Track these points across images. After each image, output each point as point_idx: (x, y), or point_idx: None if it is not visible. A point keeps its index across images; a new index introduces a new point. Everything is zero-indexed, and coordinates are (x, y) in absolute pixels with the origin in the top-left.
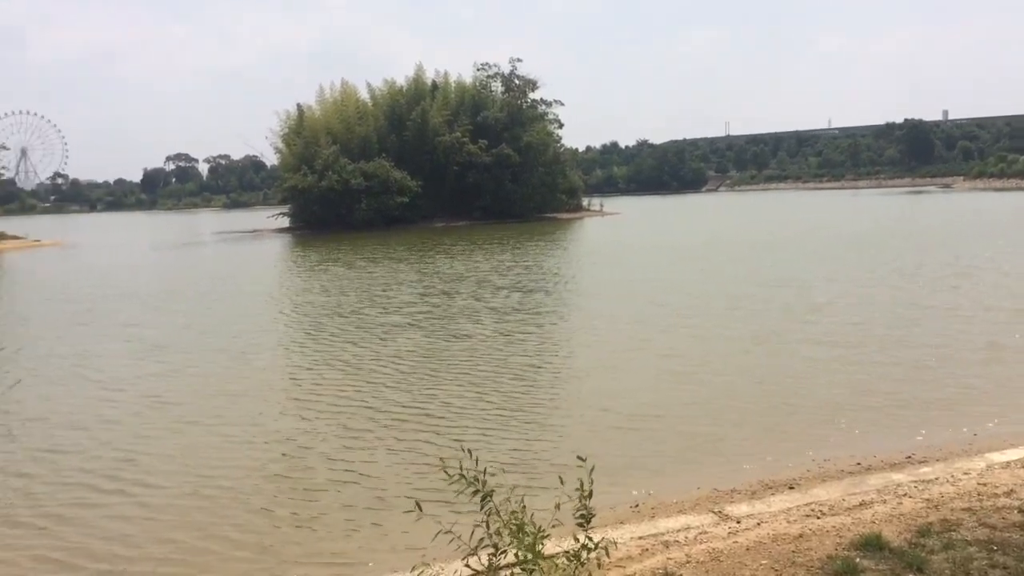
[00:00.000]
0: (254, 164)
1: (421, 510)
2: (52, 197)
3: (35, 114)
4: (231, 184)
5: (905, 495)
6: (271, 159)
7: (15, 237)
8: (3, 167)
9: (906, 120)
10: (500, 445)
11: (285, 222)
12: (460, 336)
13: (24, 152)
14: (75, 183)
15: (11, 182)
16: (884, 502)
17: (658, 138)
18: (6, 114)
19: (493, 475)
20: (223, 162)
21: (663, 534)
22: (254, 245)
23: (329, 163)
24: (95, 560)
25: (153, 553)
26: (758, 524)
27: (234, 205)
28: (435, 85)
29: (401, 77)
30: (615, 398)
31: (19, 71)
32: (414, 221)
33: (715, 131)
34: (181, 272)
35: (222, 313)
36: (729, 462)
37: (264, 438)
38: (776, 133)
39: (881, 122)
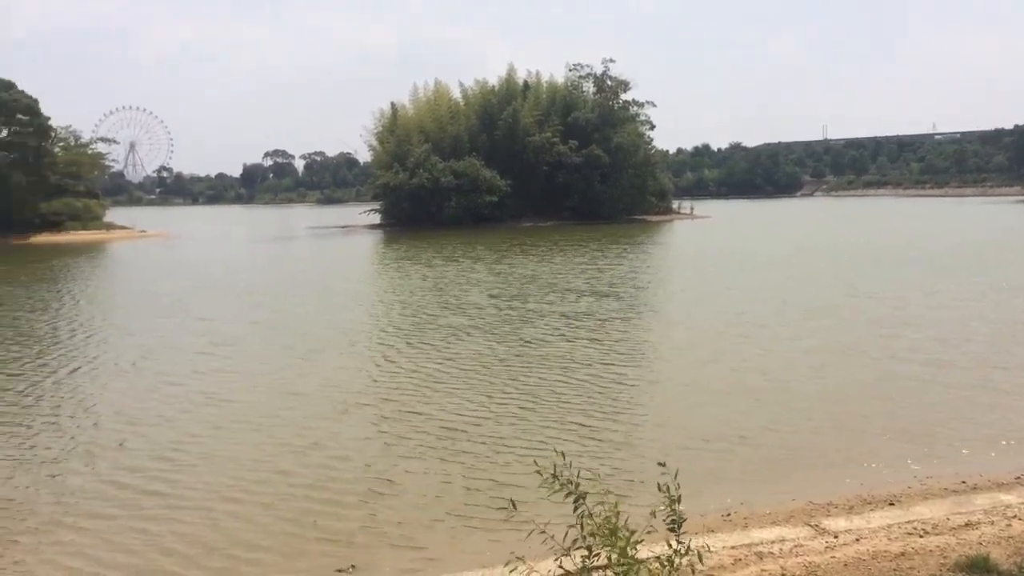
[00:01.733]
0: (348, 161)
1: (516, 508)
2: (157, 190)
3: (143, 110)
4: (325, 180)
5: (1015, 517)
6: (364, 156)
7: (123, 227)
8: (113, 160)
9: (1016, 126)
10: (576, 453)
11: (376, 218)
12: (528, 341)
13: (132, 146)
14: (179, 177)
15: (120, 175)
16: (992, 523)
17: (752, 141)
18: (116, 109)
19: (589, 480)
20: (318, 159)
21: (756, 544)
22: (343, 240)
23: (420, 161)
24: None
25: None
26: (857, 540)
27: (327, 201)
28: (527, 85)
29: (493, 77)
30: (697, 409)
31: (129, 69)
32: (502, 220)
33: (812, 134)
34: (270, 266)
35: (297, 310)
36: (825, 475)
37: (329, 439)
38: (876, 137)
39: (989, 127)
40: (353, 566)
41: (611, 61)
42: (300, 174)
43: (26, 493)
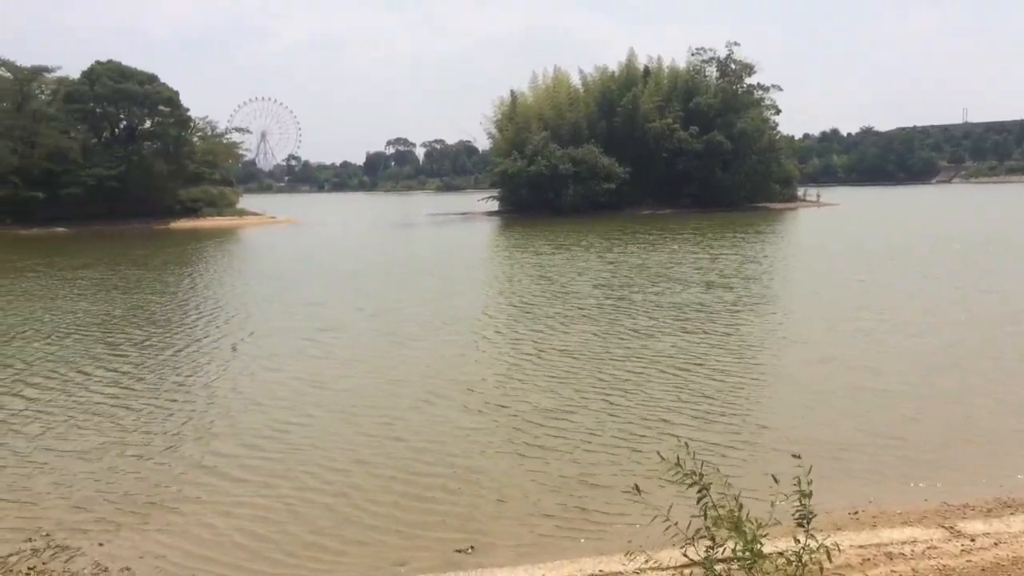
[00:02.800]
0: (467, 149)
1: (640, 492)
2: (286, 177)
3: (274, 100)
4: (445, 168)
5: None
6: (483, 144)
7: (254, 214)
8: (246, 149)
9: None
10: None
11: (494, 205)
12: (631, 332)
13: (264, 135)
14: (306, 165)
15: (252, 163)
16: None
17: (884, 125)
18: (249, 100)
19: (709, 472)
20: (438, 147)
21: (886, 545)
22: (460, 227)
23: (539, 148)
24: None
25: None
26: (995, 544)
27: (447, 188)
28: (647, 71)
29: (613, 63)
30: (814, 406)
31: (262, 60)
32: (620, 207)
33: (950, 118)
34: (388, 252)
35: (409, 295)
36: (958, 477)
37: (426, 425)
38: (1022, 121)
39: None
40: (472, 547)
41: (735, 44)
42: (420, 162)
43: (124, 477)
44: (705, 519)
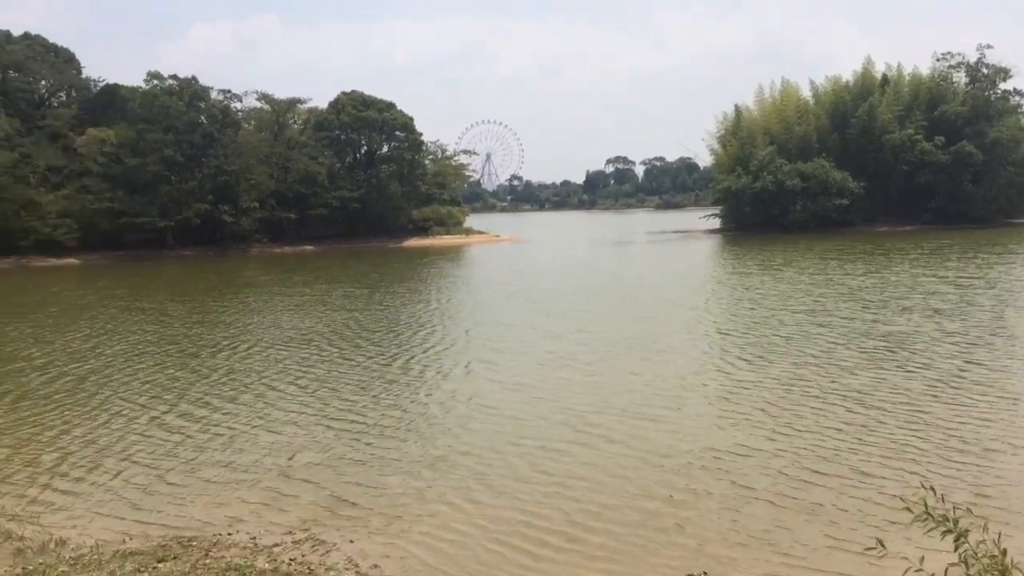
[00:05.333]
0: (687, 166)
1: (885, 548)
2: (509, 197)
3: (498, 122)
4: (664, 185)
5: None
6: (705, 160)
7: (480, 232)
8: (472, 170)
9: None
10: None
11: (715, 223)
12: (911, 367)
13: (488, 157)
14: (528, 184)
15: (477, 183)
16: None
17: None
18: (476, 123)
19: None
20: (658, 164)
21: None
22: (681, 245)
23: (764, 164)
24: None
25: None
26: None
27: (666, 206)
28: (885, 79)
29: (847, 72)
30: None
31: (488, 85)
32: (853, 224)
33: None
34: (607, 269)
35: (624, 314)
36: None
37: (668, 446)
38: None
39: None
40: (705, 573)
41: (988, 47)
42: (640, 180)
43: (370, 480)
44: (966, 569)
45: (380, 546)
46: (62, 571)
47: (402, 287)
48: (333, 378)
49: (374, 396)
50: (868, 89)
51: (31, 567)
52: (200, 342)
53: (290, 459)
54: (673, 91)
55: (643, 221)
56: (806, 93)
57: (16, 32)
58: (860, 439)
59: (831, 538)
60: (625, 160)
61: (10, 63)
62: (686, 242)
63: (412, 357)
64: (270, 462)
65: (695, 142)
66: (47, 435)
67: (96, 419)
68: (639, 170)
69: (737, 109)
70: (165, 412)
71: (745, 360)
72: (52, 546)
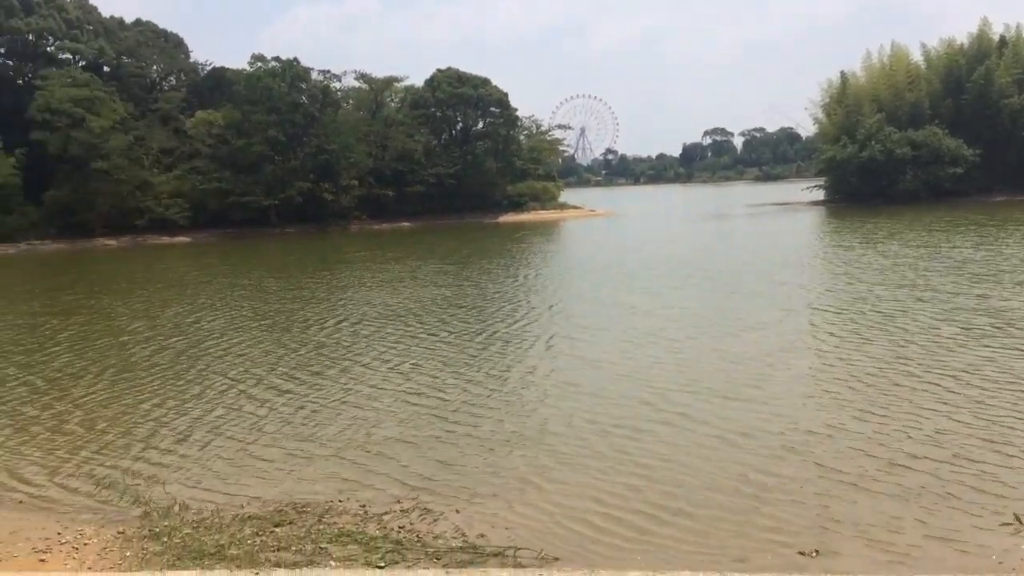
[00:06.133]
0: (788, 136)
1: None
2: (603, 171)
3: (593, 96)
4: (764, 157)
5: None
6: (807, 130)
7: (575, 207)
8: (567, 145)
9: None
10: None
11: (819, 195)
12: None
13: (583, 131)
14: (623, 158)
15: (571, 158)
16: None
17: None
18: (570, 98)
19: None
20: (757, 135)
21: None
22: (780, 218)
23: (872, 132)
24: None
25: None
26: None
27: (766, 178)
28: (1003, 41)
29: (961, 35)
30: None
31: (582, 58)
32: (966, 194)
33: None
34: (703, 244)
35: (715, 290)
36: None
37: (766, 430)
38: None
39: None
40: (817, 551)
41: None
42: (739, 151)
43: (477, 451)
44: None
45: (485, 517)
46: (187, 533)
47: (492, 263)
48: (417, 353)
49: (457, 371)
50: (984, 52)
51: (158, 529)
52: (294, 317)
53: (384, 433)
54: (775, 60)
55: (742, 194)
56: (917, 58)
57: (128, 19)
58: (961, 422)
59: (921, 523)
60: (723, 132)
61: (123, 49)
62: (786, 215)
63: (495, 332)
64: (375, 433)
65: (797, 111)
66: (159, 404)
67: (203, 389)
68: (737, 142)
69: (843, 76)
70: (263, 385)
71: (839, 337)
72: (176, 509)
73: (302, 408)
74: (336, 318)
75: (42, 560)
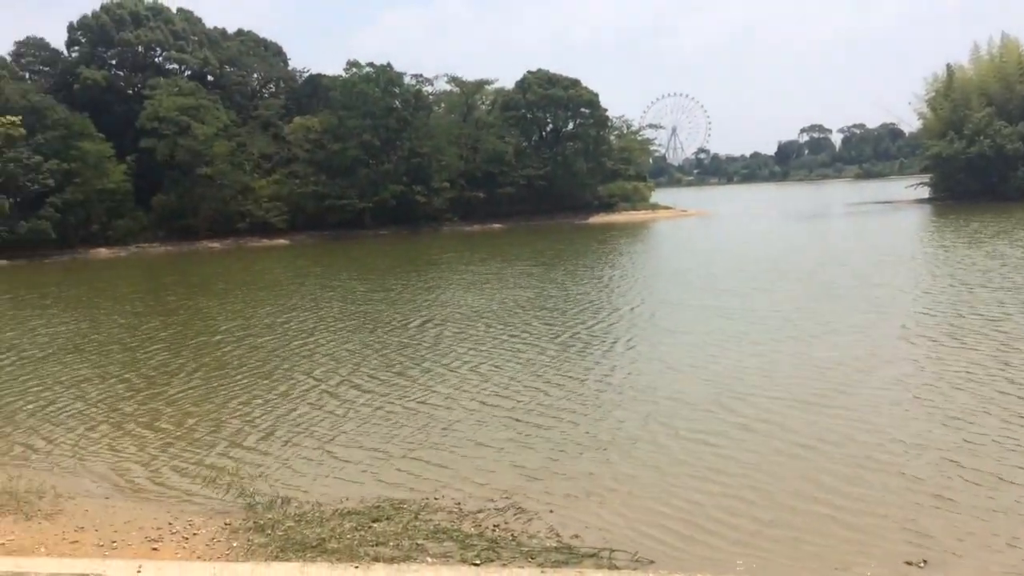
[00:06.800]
0: (891, 132)
1: None
2: (695, 171)
3: (684, 95)
4: (864, 154)
5: None
6: (911, 126)
7: (666, 207)
8: (658, 145)
9: None
10: None
11: (923, 192)
12: None
13: (674, 130)
14: (715, 158)
15: (662, 158)
16: None
17: None
18: (661, 96)
19: None
20: (857, 131)
21: None
22: (881, 217)
23: (981, 127)
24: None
25: None
26: None
27: (866, 176)
28: None
29: None
30: None
31: (673, 56)
32: None
33: None
34: (799, 244)
35: (806, 292)
36: None
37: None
38: None
39: None
40: (925, 561)
41: None
42: (837, 149)
43: (569, 453)
44: None
45: (578, 518)
46: (289, 526)
47: (577, 264)
48: (497, 355)
49: (536, 373)
50: None
51: (262, 521)
52: (382, 316)
53: (464, 434)
54: (875, 53)
55: (840, 192)
56: None
57: (231, 29)
58: None
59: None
60: (821, 128)
61: (226, 58)
62: (887, 214)
63: (576, 334)
64: (458, 433)
65: (900, 106)
66: (247, 402)
67: (289, 387)
68: (836, 138)
69: (949, 69)
70: (347, 384)
71: (935, 342)
72: (279, 503)
73: (373, 407)
74: (420, 319)
75: (155, 548)
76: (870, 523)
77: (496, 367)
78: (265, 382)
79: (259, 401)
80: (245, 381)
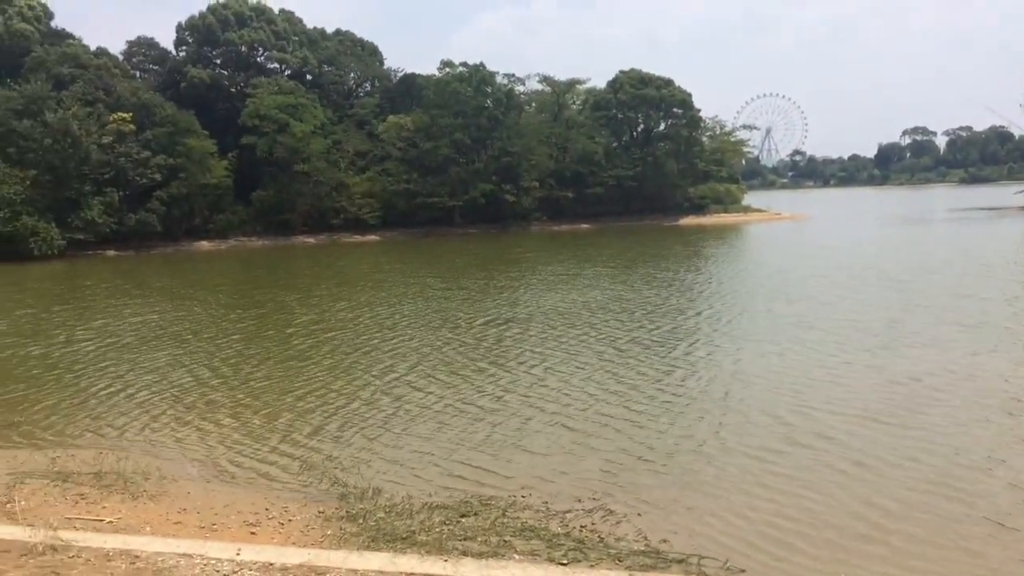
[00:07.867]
0: (999, 135)
1: None
2: (790, 173)
3: (780, 95)
4: (971, 158)
5: None
6: (1021, 129)
7: (759, 210)
8: (752, 146)
9: None
10: None
11: None
12: None
13: (768, 131)
14: (811, 160)
15: (755, 160)
16: None
17: None
18: (756, 97)
19: None
20: (963, 134)
21: None
22: (986, 224)
23: None
24: None
25: None
26: None
27: (972, 180)
28: None
29: None
30: None
31: (769, 54)
32: None
33: None
34: (887, 250)
35: (893, 302)
36: None
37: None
38: None
39: None
40: None
41: None
42: (941, 152)
43: (656, 457)
44: None
45: (667, 522)
46: (380, 517)
47: (657, 266)
48: (571, 358)
49: (612, 374)
50: None
51: (354, 511)
52: (450, 314)
53: (526, 440)
54: (983, 50)
55: (944, 197)
56: None
57: (329, 29)
58: None
59: None
60: (924, 131)
61: (324, 58)
62: (993, 221)
63: (636, 338)
64: (545, 435)
65: (1010, 108)
66: (322, 394)
67: (369, 379)
68: (940, 141)
69: None
70: (427, 378)
71: (1017, 363)
72: (370, 494)
73: (474, 404)
74: (485, 318)
75: (252, 532)
76: (968, 547)
77: (579, 367)
78: (343, 375)
79: (337, 393)
80: (319, 374)
